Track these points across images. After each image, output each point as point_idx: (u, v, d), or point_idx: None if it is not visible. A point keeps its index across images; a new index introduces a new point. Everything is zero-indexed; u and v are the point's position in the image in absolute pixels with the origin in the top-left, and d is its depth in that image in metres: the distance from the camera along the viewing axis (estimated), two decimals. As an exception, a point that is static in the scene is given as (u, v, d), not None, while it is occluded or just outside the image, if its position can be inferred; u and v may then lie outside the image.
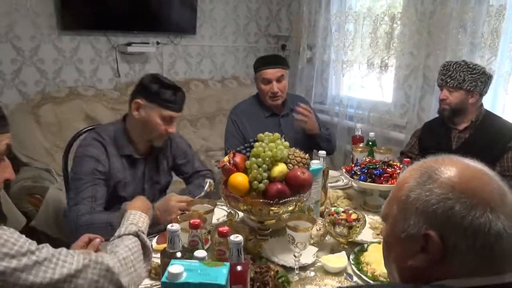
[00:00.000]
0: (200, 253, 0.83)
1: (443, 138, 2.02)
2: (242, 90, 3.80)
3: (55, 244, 1.23)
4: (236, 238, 0.85)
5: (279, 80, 2.06)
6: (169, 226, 0.91)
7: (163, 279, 0.74)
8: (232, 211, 1.44)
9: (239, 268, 0.84)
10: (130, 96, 1.56)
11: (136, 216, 1.12)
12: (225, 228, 0.91)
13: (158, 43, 3.42)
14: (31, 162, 2.55)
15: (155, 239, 1.35)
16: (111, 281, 0.84)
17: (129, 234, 1.00)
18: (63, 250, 0.87)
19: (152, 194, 1.67)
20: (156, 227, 1.41)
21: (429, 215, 0.64)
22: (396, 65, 3.13)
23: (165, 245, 1.29)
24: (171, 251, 0.90)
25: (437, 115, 2.12)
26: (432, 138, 2.09)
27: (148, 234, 1.40)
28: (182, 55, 3.64)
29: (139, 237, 1.00)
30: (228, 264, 0.80)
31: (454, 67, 1.90)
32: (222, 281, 0.74)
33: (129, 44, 3.20)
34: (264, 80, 2.05)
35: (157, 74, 1.57)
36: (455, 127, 2.00)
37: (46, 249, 0.84)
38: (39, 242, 1.94)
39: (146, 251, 1.00)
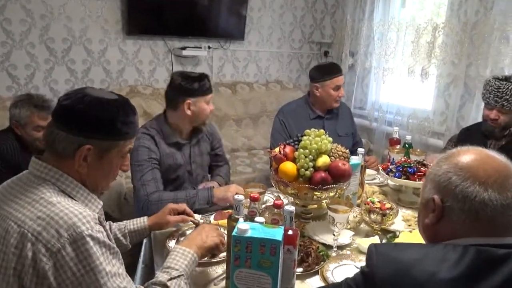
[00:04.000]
0: (259, 219, 1.04)
1: (479, 146, 2.12)
2: (284, 94, 4.01)
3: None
4: (290, 207, 1.05)
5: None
6: (235, 196, 1.12)
7: (233, 233, 0.96)
8: (279, 197, 1.64)
9: (290, 232, 1.04)
10: (172, 98, 1.78)
11: (178, 256, 1.11)
12: (279, 201, 1.11)
13: (209, 47, 3.70)
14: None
15: (212, 216, 1.58)
16: None
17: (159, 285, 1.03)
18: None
19: (197, 173, 1.93)
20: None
21: (435, 184, 0.86)
22: (437, 74, 3.22)
23: (220, 221, 1.53)
24: (236, 216, 1.11)
25: (475, 122, 2.19)
26: (468, 145, 2.18)
27: (206, 212, 1.66)
28: (230, 59, 3.90)
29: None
30: (283, 227, 1.00)
31: (511, 91, 1.88)
32: (279, 238, 0.94)
33: (183, 48, 3.50)
34: (335, 87, 2.29)
35: (184, 72, 1.83)
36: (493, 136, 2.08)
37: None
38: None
39: None
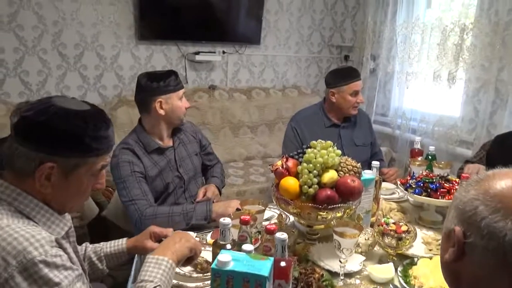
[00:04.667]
0: (247, 246, 0.90)
1: (512, 156, 1.91)
2: (302, 99, 3.86)
3: (123, 235, 1.39)
4: (282, 235, 0.91)
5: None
6: (221, 220, 0.99)
7: (213, 265, 0.82)
8: (283, 214, 1.49)
9: (283, 263, 0.89)
10: (143, 101, 1.68)
11: (151, 266, 1.00)
12: (272, 226, 0.97)
13: (223, 52, 3.60)
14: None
15: (209, 234, 1.45)
16: None
17: None
18: None
19: (188, 176, 1.80)
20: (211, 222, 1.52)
21: (459, 212, 0.69)
22: (466, 78, 2.99)
23: (218, 240, 1.39)
24: (221, 242, 0.98)
25: (507, 130, 1.99)
26: (502, 155, 1.97)
27: (203, 229, 1.53)
28: (246, 64, 3.78)
29: None
30: (272, 258, 0.86)
31: None
32: (265, 273, 0.80)
33: (197, 53, 3.41)
34: (353, 92, 2.12)
35: (147, 73, 1.72)
36: None
37: None
38: (108, 231, 2.13)
39: None
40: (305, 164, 1.27)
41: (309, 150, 1.30)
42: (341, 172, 1.32)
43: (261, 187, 3.02)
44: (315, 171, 1.25)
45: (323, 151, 1.28)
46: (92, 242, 1.31)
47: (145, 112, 1.71)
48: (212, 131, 3.41)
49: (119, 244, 1.26)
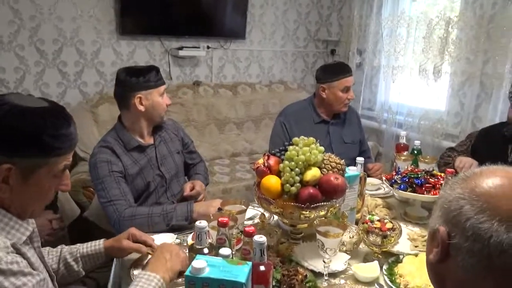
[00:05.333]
0: (225, 250, 0.86)
1: (498, 149, 1.90)
2: (288, 95, 3.81)
3: (105, 235, 1.34)
4: (260, 238, 0.87)
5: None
6: (197, 223, 0.95)
7: (187, 272, 0.78)
8: (265, 213, 1.46)
9: (262, 268, 0.86)
10: (122, 96, 1.61)
11: (145, 283, 0.97)
12: (251, 228, 0.93)
13: (208, 47, 3.53)
14: (87, 156, 2.75)
15: (190, 236, 1.40)
16: None
17: None
18: None
19: (170, 174, 1.74)
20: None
21: (443, 212, 0.66)
22: (451, 72, 2.98)
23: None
24: (198, 246, 0.94)
25: (495, 123, 1.98)
26: (487, 148, 1.96)
27: (184, 230, 1.48)
28: (231, 59, 3.72)
29: None
30: (250, 263, 0.82)
31: None
32: (242, 279, 0.76)
33: (180, 48, 3.34)
34: (345, 88, 2.08)
35: (127, 67, 1.66)
36: None
37: None
38: (90, 232, 2.06)
39: None
40: (287, 162, 1.23)
41: (291, 147, 1.26)
42: (324, 170, 1.28)
43: (248, 184, 2.98)
44: (297, 169, 1.21)
45: (305, 148, 1.24)
46: (73, 244, 1.26)
47: (124, 108, 1.64)
48: (197, 128, 3.35)
49: (96, 244, 1.22)
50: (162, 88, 1.66)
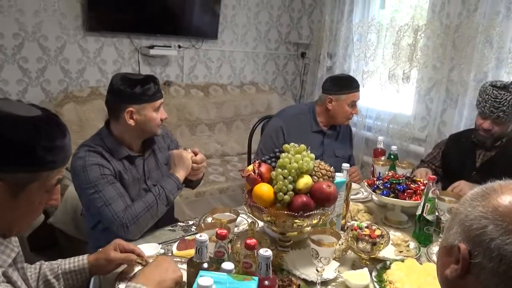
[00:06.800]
0: (227, 265, 0.83)
1: (467, 155, 1.98)
2: (260, 96, 3.81)
3: (72, 243, 1.24)
4: (266, 252, 0.84)
5: None
6: (197, 236, 0.90)
7: (193, 290, 0.74)
8: (253, 220, 1.43)
9: (267, 283, 0.83)
10: (112, 106, 1.50)
11: None
12: (252, 241, 0.90)
13: (179, 46, 3.44)
14: (52, 160, 2.59)
15: (175, 245, 1.35)
16: None
17: None
18: None
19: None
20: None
21: (464, 229, 0.65)
22: (418, 78, 3.09)
23: (184, 252, 1.30)
24: (198, 261, 0.89)
25: (463, 129, 2.05)
26: (457, 154, 2.04)
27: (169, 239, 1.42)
28: (203, 59, 3.66)
29: None
30: (256, 279, 0.79)
31: (510, 102, 1.73)
32: (252, 296, 0.73)
33: (151, 47, 3.23)
34: (352, 103, 2.08)
35: (125, 75, 1.51)
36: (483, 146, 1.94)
37: None
38: (56, 240, 1.93)
39: None
40: (279, 170, 1.21)
41: (283, 155, 1.24)
42: (315, 177, 1.27)
43: (221, 187, 2.94)
44: (290, 177, 1.19)
45: (298, 155, 1.23)
46: (37, 253, 1.17)
47: (113, 119, 1.51)
48: (168, 129, 3.25)
49: (80, 259, 1.13)
50: (158, 102, 1.51)
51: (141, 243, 1.34)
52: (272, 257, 0.85)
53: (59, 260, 1.13)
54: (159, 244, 1.36)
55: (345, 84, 2.10)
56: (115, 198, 1.42)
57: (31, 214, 0.82)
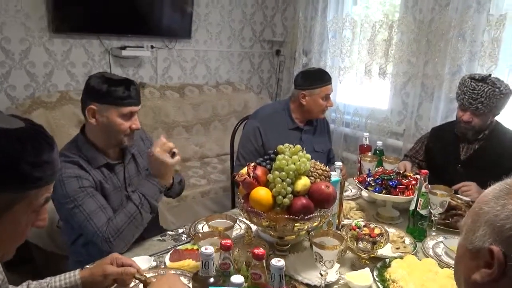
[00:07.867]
0: (237, 278, 0.77)
1: (451, 148, 2.01)
2: (237, 96, 3.75)
3: (48, 258, 1.14)
4: (278, 262, 0.79)
5: None
6: (202, 249, 0.84)
7: (206, 310, 0.68)
8: (247, 225, 1.38)
9: (280, 294, 0.78)
10: (81, 103, 1.41)
11: None
12: (260, 250, 0.85)
13: (152, 47, 3.33)
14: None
15: (167, 256, 1.28)
16: None
17: None
18: None
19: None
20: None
21: (495, 230, 0.61)
22: (394, 73, 3.13)
23: (178, 263, 1.23)
24: (204, 275, 0.83)
25: (445, 122, 2.08)
26: (440, 147, 2.06)
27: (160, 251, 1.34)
28: (177, 59, 3.56)
29: None
30: (271, 291, 0.74)
31: (487, 94, 1.76)
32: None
33: (123, 47, 3.10)
34: (326, 96, 2.05)
35: (104, 73, 1.44)
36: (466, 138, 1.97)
37: None
38: (31, 256, 1.81)
39: None
40: (276, 173, 1.16)
41: (279, 156, 1.20)
42: (312, 178, 1.24)
43: (203, 190, 2.87)
44: (288, 179, 1.15)
45: (295, 156, 1.19)
46: (10, 270, 1.08)
47: (85, 119, 1.42)
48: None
49: (71, 276, 1.05)
50: (126, 109, 1.39)
51: (131, 257, 1.25)
52: (285, 268, 0.80)
53: (48, 278, 1.04)
54: (150, 256, 1.28)
55: (317, 78, 2.07)
56: (96, 212, 1.34)
57: (16, 237, 0.74)
